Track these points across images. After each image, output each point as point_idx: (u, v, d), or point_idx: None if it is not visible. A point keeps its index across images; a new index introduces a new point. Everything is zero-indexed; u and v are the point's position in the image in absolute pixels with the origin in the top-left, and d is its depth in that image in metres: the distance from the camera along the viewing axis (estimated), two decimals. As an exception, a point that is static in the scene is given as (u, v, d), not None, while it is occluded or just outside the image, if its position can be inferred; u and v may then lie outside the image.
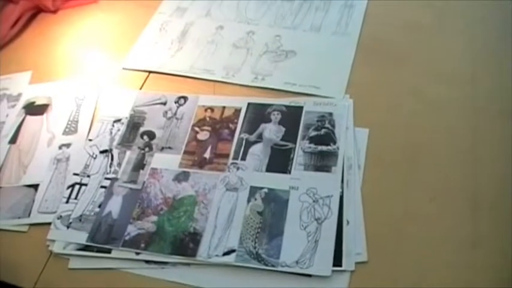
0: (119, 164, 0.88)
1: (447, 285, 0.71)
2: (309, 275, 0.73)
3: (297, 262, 0.74)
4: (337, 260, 0.74)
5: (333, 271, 0.73)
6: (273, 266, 0.74)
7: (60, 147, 0.92)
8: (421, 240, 0.75)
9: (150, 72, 1.01)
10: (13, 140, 0.95)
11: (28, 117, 0.98)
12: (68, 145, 0.92)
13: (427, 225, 0.76)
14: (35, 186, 0.88)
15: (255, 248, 0.76)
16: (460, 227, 0.76)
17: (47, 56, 1.09)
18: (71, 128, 0.95)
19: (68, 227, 0.82)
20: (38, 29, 1.15)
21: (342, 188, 0.80)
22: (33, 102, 1.00)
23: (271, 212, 0.79)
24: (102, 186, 0.86)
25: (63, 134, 0.94)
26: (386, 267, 0.73)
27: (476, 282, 0.71)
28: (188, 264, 0.77)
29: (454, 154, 0.83)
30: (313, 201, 0.79)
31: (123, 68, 1.03)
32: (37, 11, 1.17)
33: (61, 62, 1.07)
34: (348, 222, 0.77)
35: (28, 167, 0.91)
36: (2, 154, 0.93)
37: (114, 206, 0.83)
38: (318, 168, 0.83)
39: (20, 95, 1.02)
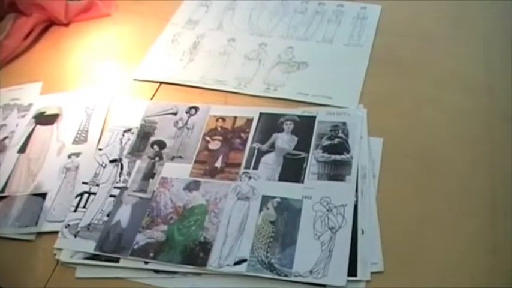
0: (129, 173, 0.87)
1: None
2: (323, 285, 0.71)
3: (310, 272, 0.72)
4: (352, 270, 0.72)
5: (348, 281, 0.71)
6: (286, 275, 0.72)
7: (69, 156, 0.91)
8: (439, 247, 0.73)
9: (161, 83, 1.01)
10: (22, 150, 0.94)
11: (38, 126, 0.98)
12: (77, 154, 0.91)
13: (444, 232, 0.74)
14: (43, 195, 0.87)
15: (267, 257, 0.74)
16: (479, 233, 0.74)
17: (58, 67, 1.08)
18: (80, 138, 0.94)
19: (75, 236, 0.81)
20: (50, 41, 1.15)
21: (356, 197, 0.78)
22: (44, 112, 1.00)
23: (284, 221, 0.77)
24: (111, 195, 0.85)
25: (72, 143, 0.93)
26: (404, 276, 0.71)
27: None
28: (199, 274, 0.75)
29: (470, 161, 0.81)
30: (327, 210, 0.77)
31: (134, 79, 1.02)
32: (49, 24, 1.17)
33: (72, 73, 1.07)
34: (362, 231, 0.75)
35: (37, 175, 0.90)
36: (11, 163, 0.92)
37: (123, 215, 0.82)
38: (331, 178, 0.81)
39: (30, 105, 1.02)
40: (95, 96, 1.00)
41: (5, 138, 0.97)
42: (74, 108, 0.99)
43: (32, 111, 1.00)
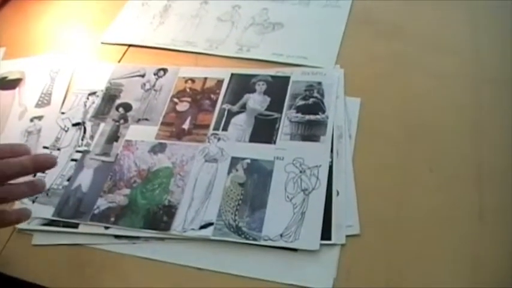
0: (92, 137, 0.82)
1: (451, 258, 0.64)
2: (295, 249, 0.66)
3: (281, 235, 0.67)
4: (326, 233, 0.67)
5: (321, 245, 0.66)
6: (254, 239, 0.68)
7: (31, 120, 0.86)
8: (421, 211, 0.68)
9: (129, 45, 0.96)
10: (-17, 115, 0.89)
11: (0, 91, 0.92)
12: (39, 117, 0.86)
13: (427, 196, 0.70)
14: (3, 160, 0.81)
15: (235, 220, 0.69)
16: (464, 198, 0.69)
17: (24, 33, 1.03)
18: (43, 101, 0.89)
19: (33, 202, 0.76)
20: (15, 8, 1.10)
21: (332, 157, 0.74)
22: (5, 77, 0.95)
23: (254, 183, 0.73)
24: (72, 160, 0.80)
25: (35, 106, 0.89)
26: (382, 240, 0.66)
27: (483, 255, 0.64)
28: (162, 238, 0.70)
29: (455, 125, 0.76)
30: (300, 171, 0.73)
31: (102, 42, 0.97)
32: (15, -11, 1.12)
33: (38, 39, 1.02)
34: (338, 193, 0.71)
35: (-2, 140, 0.85)
36: (-30, 129, 0.87)
37: (84, 179, 0.77)
38: (305, 138, 0.76)
39: None
40: (60, 59, 0.95)
41: (-36, 104, 0.91)
42: (38, 72, 0.94)
43: (-6, 77, 0.95)
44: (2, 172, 0.60)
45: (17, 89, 0.92)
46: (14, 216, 0.65)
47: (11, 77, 0.95)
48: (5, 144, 0.65)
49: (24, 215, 0.66)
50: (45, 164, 0.64)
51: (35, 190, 0.64)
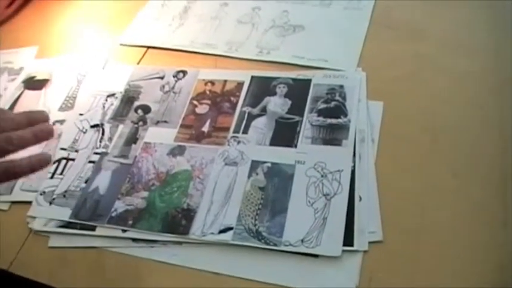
0: (110, 139, 0.81)
1: (475, 265, 0.62)
2: (316, 255, 0.65)
3: (302, 241, 0.66)
4: (348, 239, 0.65)
5: (343, 251, 0.65)
6: (275, 244, 0.66)
7: (53, 123, 0.85)
8: (443, 217, 0.66)
9: (148, 47, 0.95)
10: (8, 114, 0.89)
11: (26, 91, 0.93)
12: (61, 121, 0.86)
13: (449, 201, 0.68)
14: (22, 163, 0.81)
15: (255, 225, 0.68)
16: (488, 204, 0.67)
17: (47, 33, 1.04)
18: (67, 104, 0.88)
19: (50, 203, 0.75)
20: (36, 9, 1.10)
21: (354, 162, 0.72)
22: (34, 77, 0.95)
23: (275, 188, 0.71)
24: (90, 161, 0.79)
25: (59, 110, 0.88)
26: (404, 246, 0.65)
27: (507, 262, 0.62)
28: (180, 242, 0.69)
29: (477, 127, 0.74)
30: (322, 176, 0.71)
31: (121, 44, 0.97)
32: (35, -9, 1.12)
33: (60, 39, 1.02)
34: (360, 198, 0.69)
35: (19, 141, 0.84)
36: (-7, 127, 0.87)
37: (102, 182, 0.76)
38: (327, 142, 0.75)
39: (21, 69, 0.97)
40: (87, 62, 0.95)
41: (-8, 101, 0.92)
42: (65, 74, 0.94)
43: (22, 76, 0.96)
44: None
45: (43, 90, 0.92)
46: (25, 163, 0.60)
47: (39, 77, 0.95)
48: (22, 113, 0.64)
49: (42, 160, 0.62)
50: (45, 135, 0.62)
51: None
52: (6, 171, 0.59)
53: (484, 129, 0.74)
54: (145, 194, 0.73)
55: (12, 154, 0.59)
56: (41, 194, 0.76)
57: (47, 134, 0.63)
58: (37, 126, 0.62)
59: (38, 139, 0.61)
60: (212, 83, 0.85)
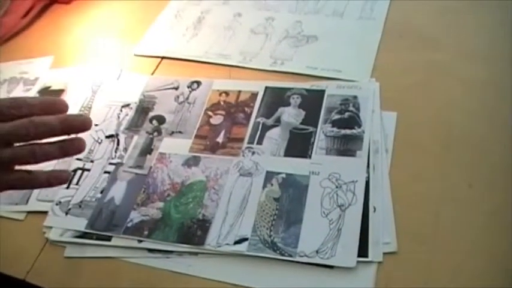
0: (125, 149, 0.82)
1: (490, 276, 0.62)
2: (331, 266, 0.65)
3: (317, 252, 0.66)
4: (363, 250, 0.65)
5: (358, 262, 0.65)
6: (290, 255, 0.66)
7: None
8: (458, 226, 0.66)
9: (162, 58, 0.96)
10: (23, 124, 0.90)
11: (42, 102, 0.93)
12: (77, 132, 0.86)
13: (464, 210, 0.68)
14: (37, 173, 0.82)
15: (270, 236, 0.68)
16: (503, 212, 0.67)
17: (62, 43, 1.05)
18: (83, 115, 0.89)
19: (66, 214, 0.76)
20: (52, 19, 1.11)
21: (368, 173, 0.72)
22: (49, 87, 0.96)
23: (289, 198, 0.71)
24: (105, 172, 0.80)
25: (74, 120, 0.88)
26: (419, 257, 0.65)
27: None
28: (195, 253, 0.69)
29: (491, 136, 0.74)
30: (336, 186, 0.71)
31: (135, 54, 0.97)
32: (50, 2, 1.13)
33: (76, 49, 1.03)
34: (374, 209, 0.69)
35: (34, 151, 0.85)
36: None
37: (118, 192, 0.77)
38: (341, 153, 0.75)
39: (36, 79, 0.98)
40: (102, 73, 0.95)
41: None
42: (80, 84, 0.94)
43: (38, 86, 0.96)
44: (27, 131, 0.56)
45: (59, 100, 0.93)
46: (43, 177, 0.60)
47: (54, 87, 0.95)
48: (37, 98, 0.62)
49: (59, 178, 0.61)
50: (79, 127, 0.60)
51: (67, 153, 0.60)
52: (22, 180, 0.60)
53: (498, 138, 0.74)
54: (160, 204, 0.74)
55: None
56: (57, 204, 0.77)
57: (76, 151, 0.61)
58: (66, 139, 0.60)
59: (64, 154, 0.60)
60: (226, 93, 0.86)
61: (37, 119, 0.57)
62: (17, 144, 0.59)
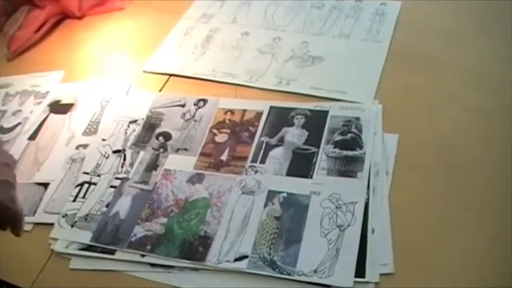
0: (131, 164, 0.84)
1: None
2: (328, 286, 0.66)
3: (315, 271, 0.67)
4: (360, 271, 0.67)
5: (355, 282, 0.66)
6: (288, 274, 0.68)
7: (77, 148, 0.89)
8: (456, 249, 0.68)
9: (170, 75, 0.98)
10: (33, 137, 0.93)
11: (52, 115, 0.96)
12: (85, 146, 0.89)
13: (462, 234, 0.69)
14: (46, 185, 0.84)
15: (269, 254, 0.70)
16: (501, 237, 0.68)
17: (73, 58, 1.07)
18: (91, 129, 0.91)
19: (72, 226, 0.78)
20: (64, 33, 1.15)
21: (368, 194, 0.74)
22: (59, 101, 0.98)
23: (290, 217, 0.73)
24: (111, 186, 0.81)
25: (82, 134, 0.91)
26: (416, 279, 0.66)
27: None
28: (196, 269, 0.71)
29: (492, 162, 0.76)
30: (336, 207, 0.73)
31: (144, 71, 0.99)
32: (63, 17, 1.16)
33: (87, 64, 1.05)
34: (373, 230, 0.70)
35: (43, 164, 0.88)
36: (19, 150, 0.90)
37: (123, 206, 0.78)
38: (342, 174, 0.76)
39: (47, 92, 1.00)
40: (111, 88, 0.97)
41: (18, 124, 0.95)
42: (89, 99, 0.97)
43: (48, 99, 0.99)
44: None
45: (68, 114, 0.95)
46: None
47: (65, 101, 0.98)
48: None
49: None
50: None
51: None
52: None
53: (498, 163, 0.76)
54: (164, 220, 0.76)
55: None
56: (63, 217, 0.79)
57: None
58: None
59: None
60: (232, 112, 0.88)
61: None
62: None
